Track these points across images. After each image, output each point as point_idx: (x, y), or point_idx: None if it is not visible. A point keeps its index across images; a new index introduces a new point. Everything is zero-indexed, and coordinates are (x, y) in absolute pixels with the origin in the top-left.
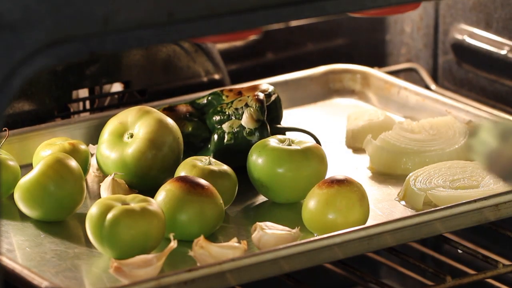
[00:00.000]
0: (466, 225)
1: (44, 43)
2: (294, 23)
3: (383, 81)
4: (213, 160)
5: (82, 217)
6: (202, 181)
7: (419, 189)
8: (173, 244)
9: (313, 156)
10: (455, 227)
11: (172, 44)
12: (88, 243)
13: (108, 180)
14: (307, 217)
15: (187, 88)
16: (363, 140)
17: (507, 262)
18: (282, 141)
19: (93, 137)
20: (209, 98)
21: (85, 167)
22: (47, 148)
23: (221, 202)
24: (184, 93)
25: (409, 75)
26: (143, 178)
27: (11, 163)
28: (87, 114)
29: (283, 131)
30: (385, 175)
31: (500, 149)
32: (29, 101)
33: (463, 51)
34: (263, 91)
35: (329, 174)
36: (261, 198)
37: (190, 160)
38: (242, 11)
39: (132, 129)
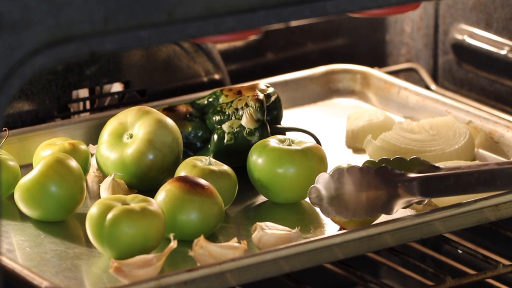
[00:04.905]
0: (466, 225)
1: (44, 43)
2: (294, 23)
3: (383, 81)
4: (213, 160)
5: (82, 217)
6: (202, 181)
7: None
8: (173, 244)
9: (313, 156)
10: (455, 227)
11: (172, 44)
12: (88, 243)
13: (108, 180)
14: None
15: (187, 88)
16: (363, 140)
17: (507, 262)
18: (282, 141)
19: (93, 137)
20: (210, 99)
21: (85, 167)
22: (47, 148)
23: (221, 202)
24: (184, 93)
25: (409, 75)
26: (143, 179)
27: (11, 163)
28: (87, 114)
29: (283, 131)
30: None
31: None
32: (29, 101)
33: (463, 51)
34: (262, 91)
35: None
36: (261, 198)
37: (190, 160)
38: (242, 11)
39: (132, 130)
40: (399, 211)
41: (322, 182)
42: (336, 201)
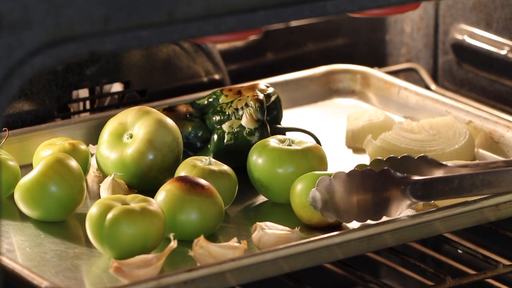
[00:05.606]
0: (466, 225)
1: (44, 43)
2: (294, 23)
3: (383, 81)
4: (213, 160)
5: (82, 217)
6: (202, 181)
7: None
8: (173, 244)
9: (313, 156)
10: (455, 227)
11: (172, 44)
12: (88, 243)
13: (108, 180)
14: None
15: (187, 88)
16: (363, 140)
17: (507, 262)
18: (282, 141)
19: (93, 137)
20: (210, 99)
21: (85, 167)
22: (47, 148)
23: (221, 202)
24: (184, 93)
25: (409, 75)
26: (143, 179)
27: (11, 163)
28: (87, 114)
29: (283, 131)
30: None
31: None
32: (29, 101)
33: (463, 51)
34: (262, 91)
35: None
36: (261, 198)
37: (190, 160)
38: (242, 11)
39: (132, 130)
40: None
41: (322, 185)
42: (337, 205)
